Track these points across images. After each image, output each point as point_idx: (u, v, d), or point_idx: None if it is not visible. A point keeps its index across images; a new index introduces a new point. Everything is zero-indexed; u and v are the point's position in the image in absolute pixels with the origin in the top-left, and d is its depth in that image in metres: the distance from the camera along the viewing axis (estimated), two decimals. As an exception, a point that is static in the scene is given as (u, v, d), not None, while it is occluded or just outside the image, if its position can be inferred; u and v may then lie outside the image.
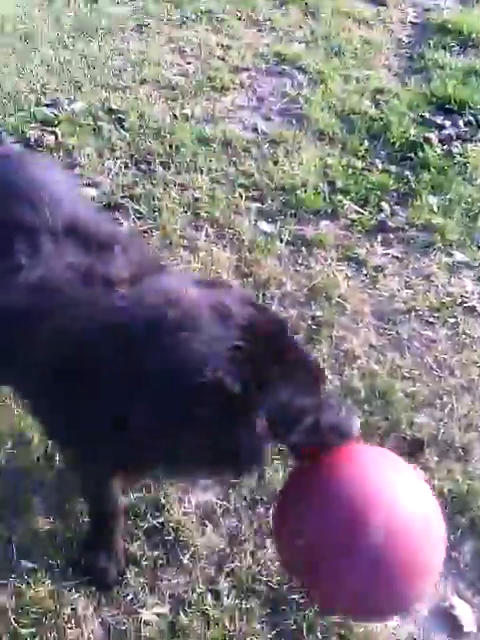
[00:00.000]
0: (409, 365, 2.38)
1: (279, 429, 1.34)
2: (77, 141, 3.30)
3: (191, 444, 1.31)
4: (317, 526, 1.45)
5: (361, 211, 2.94)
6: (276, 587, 1.87)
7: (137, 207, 2.96)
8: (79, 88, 3.64)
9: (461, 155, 3.14)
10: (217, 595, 1.87)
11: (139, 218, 2.92)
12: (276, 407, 1.30)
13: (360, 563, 1.39)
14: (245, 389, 1.25)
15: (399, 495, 1.44)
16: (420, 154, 3.13)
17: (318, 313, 2.52)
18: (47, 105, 3.44)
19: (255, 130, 3.36)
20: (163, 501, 2.03)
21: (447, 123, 3.31)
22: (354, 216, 2.92)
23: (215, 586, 1.89)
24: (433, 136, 3.22)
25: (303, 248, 2.79)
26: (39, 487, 2.07)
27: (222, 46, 3.92)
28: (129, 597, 1.87)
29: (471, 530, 1.98)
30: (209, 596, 1.86)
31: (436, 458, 2.13)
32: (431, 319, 2.53)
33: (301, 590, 1.78)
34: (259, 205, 2.98)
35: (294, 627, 1.79)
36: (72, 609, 1.85)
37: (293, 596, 1.85)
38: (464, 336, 2.47)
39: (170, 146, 3.25)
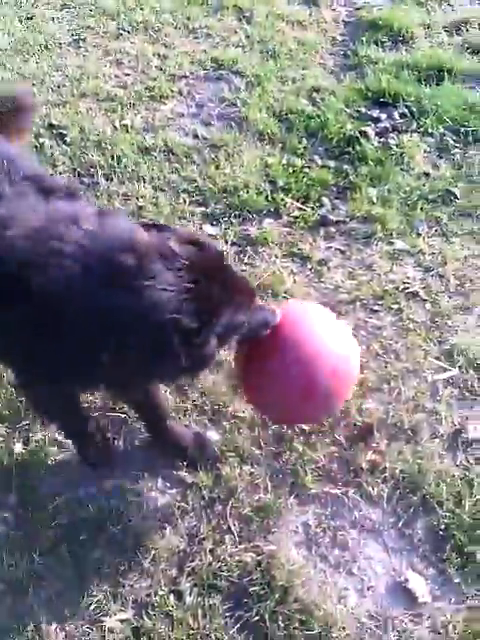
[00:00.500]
0: (357, 354, 2.42)
1: (225, 340, 1.64)
2: (19, 159, 3.29)
3: (158, 368, 1.56)
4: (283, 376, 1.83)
5: (303, 208, 2.98)
6: (237, 581, 1.91)
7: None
8: (18, 106, 3.63)
9: (397, 146, 3.20)
10: (180, 595, 1.90)
11: (85, 231, 2.93)
12: (224, 327, 1.57)
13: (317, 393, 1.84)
14: (200, 321, 1.49)
15: (333, 342, 1.89)
16: (358, 148, 3.19)
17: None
18: (-14, 125, 3.43)
19: (196, 136, 3.39)
20: (122, 508, 2.05)
21: (383, 116, 3.38)
22: (296, 213, 2.96)
23: (177, 587, 1.92)
24: (369, 129, 3.28)
25: (248, 247, 2.83)
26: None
27: (159, 55, 3.95)
28: (92, 607, 1.89)
29: (423, 508, 2.03)
30: (172, 597, 1.89)
31: (386, 441, 2.18)
32: (376, 307, 2.59)
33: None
34: (203, 209, 3.01)
35: (257, 618, 1.83)
36: (35, 626, 1.85)
37: (253, 588, 1.88)
38: (408, 321, 2.53)
39: (112, 157, 3.27)
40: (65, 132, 3.44)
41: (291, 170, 3.14)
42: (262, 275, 2.69)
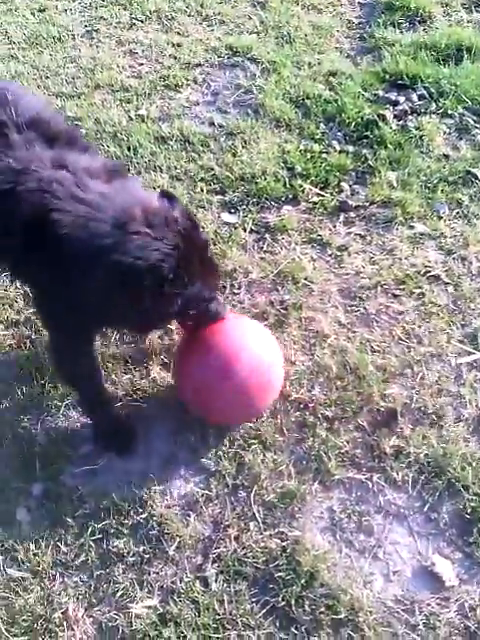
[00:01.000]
0: (378, 338, 2.44)
1: (186, 307, 1.86)
2: (35, 152, 3.33)
3: (129, 309, 1.78)
4: (204, 368, 2.10)
5: (321, 193, 2.99)
6: (262, 567, 1.94)
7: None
8: (33, 99, 3.67)
9: (417, 128, 3.19)
10: (205, 582, 1.93)
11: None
12: (190, 296, 1.83)
13: (234, 387, 2.07)
14: (174, 276, 1.73)
15: (254, 345, 2.14)
16: (376, 132, 3.18)
17: (286, 297, 2.58)
18: (2, 119, 3.47)
19: (212, 124, 3.40)
20: (145, 496, 2.09)
21: (401, 99, 3.36)
22: (315, 199, 2.97)
23: (203, 573, 1.95)
24: (388, 113, 3.27)
25: (267, 235, 2.84)
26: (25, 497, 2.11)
27: (173, 44, 3.96)
28: (119, 594, 1.93)
29: (448, 491, 2.04)
30: (197, 583, 1.93)
31: (410, 426, 2.19)
32: (397, 291, 2.59)
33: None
34: (221, 197, 3.02)
35: (283, 603, 1.85)
36: (63, 613, 1.90)
37: (279, 574, 1.91)
38: (430, 305, 2.53)
39: (128, 148, 3.30)
40: (80, 124, 3.47)
41: (309, 156, 3.14)
42: (282, 262, 2.70)
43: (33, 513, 2.11)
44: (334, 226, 2.86)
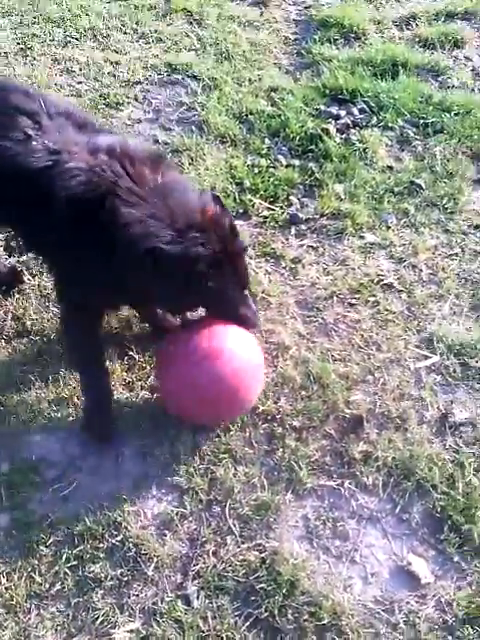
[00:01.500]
0: (338, 347, 2.53)
1: (211, 303, 2.11)
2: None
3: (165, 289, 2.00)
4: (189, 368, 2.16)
5: (271, 207, 3.09)
6: (243, 580, 1.98)
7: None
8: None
9: (360, 141, 3.34)
10: (187, 600, 1.96)
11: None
12: (217, 291, 2.01)
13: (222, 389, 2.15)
14: (214, 274, 1.96)
15: (239, 347, 2.20)
16: (321, 145, 3.31)
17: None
18: None
19: (156, 141, 3.46)
20: (119, 519, 2.10)
21: (342, 113, 3.51)
22: (266, 213, 3.06)
23: (183, 591, 1.98)
24: (331, 127, 3.41)
25: (221, 251, 2.91)
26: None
27: (111, 62, 4.00)
28: (99, 620, 1.93)
29: (418, 492, 2.14)
30: (179, 602, 1.95)
31: (376, 430, 2.29)
32: (353, 301, 2.70)
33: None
34: (171, 214, 3.07)
35: (266, 614, 1.90)
36: (42, 645, 1.88)
37: (260, 585, 1.95)
38: (386, 312, 2.65)
39: (73, 167, 3.31)
40: (21, 144, 3.46)
41: (256, 171, 3.24)
42: (238, 277, 2.77)
43: (1, 545, 2.09)
44: (286, 239, 2.96)
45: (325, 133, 3.38)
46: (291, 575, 1.96)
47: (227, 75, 3.83)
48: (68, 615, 1.95)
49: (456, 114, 3.49)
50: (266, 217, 3.05)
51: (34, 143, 2.06)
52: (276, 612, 1.90)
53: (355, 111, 3.54)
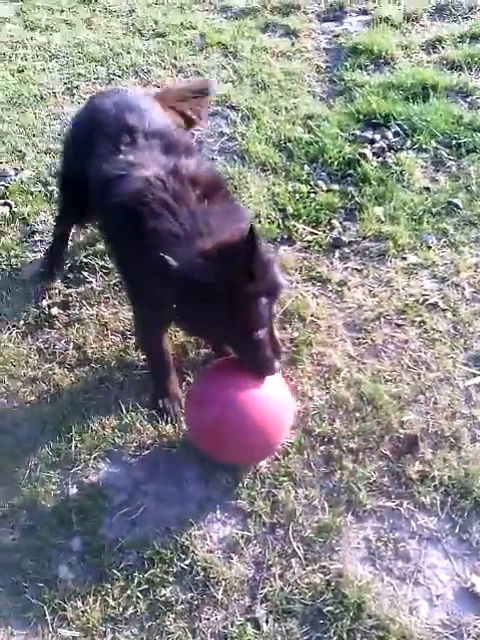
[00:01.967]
0: (389, 368, 2.46)
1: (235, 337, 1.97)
2: (31, 208, 3.32)
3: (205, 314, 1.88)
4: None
5: (315, 232, 3.03)
6: (310, 603, 1.92)
7: (103, 263, 2.99)
8: (22, 157, 3.66)
9: (396, 164, 3.27)
10: (256, 623, 1.90)
11: (107, 273, 2.95)
12: (218, 325, 1.91)
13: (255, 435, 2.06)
14: (229, 304, 1.84)
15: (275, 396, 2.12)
16: (359, 169, 3.25)
17: (295, 334, 2.59)
18: (-6, 179, 3.46)
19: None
20: (187, 543, 2.05)
21: (377, 137, 3.45)
22: (309, 237, 3.01)
23: (253, 615, 1.92)
24: (367, 151, 3.35)
25: (268, 276, 2.86)
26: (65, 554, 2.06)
27: (153, 97, 3.99)
28: (172, 644, 1.88)
29: (476, 511, 2.07)
30: (249, 626, 1.90)
31: (431, 450, 2.21)
32: (399, 321, 2.63)
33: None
34: (219, 242, 3.03)
35: (335, 638, 1.84)
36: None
37: (327, 608, 1.89)
38: (432, 331, 2.57)
39: (122, 199, 3.29)
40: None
41: (298, 196, 3.19)
42: (286, 301, 2.72)
43: (75, 569, 2.06)
44: (331, 262, 2.90)
45: (362, 157, 3.32)
46: (357, 597, 1.89)
47: (264, 105, 3.79)
48: (142, 638, 1.90)
49: (488, 133, 3.40)
50: (310, 242, 2.99)
51: (120, 156, 2.20)
52: (345, 636, 1.83)
53: (389, 135, 3.47)
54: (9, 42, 4.62)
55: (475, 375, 2.42)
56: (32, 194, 3.39)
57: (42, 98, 4.12)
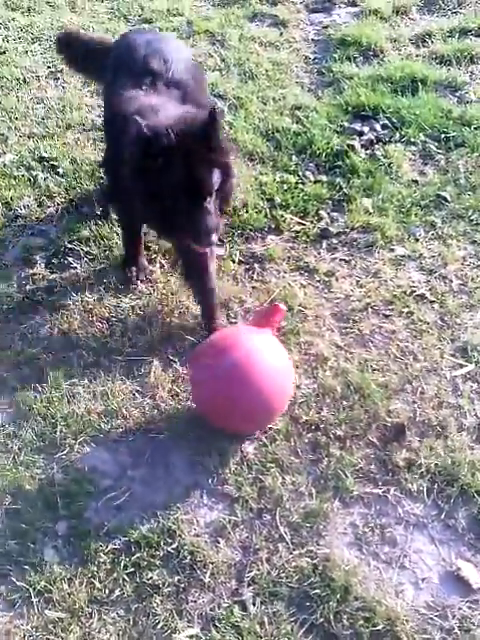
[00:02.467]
0: (376, 358, 2.53)
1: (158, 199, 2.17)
2: (14, 193, 3.33)
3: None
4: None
5: (302, 222, 3.09)
6: (297, 586, 1.98)
7: (88, 249, 3.02)
8: (5, 140, 3.67)
9: (384, 157, 3.34)
10: (243, 606, 1.95)
11: (92, 259, 2.98)
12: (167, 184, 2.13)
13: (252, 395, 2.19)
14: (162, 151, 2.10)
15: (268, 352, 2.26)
16: (347, 161, 3.32)
17: (282, 323, 2.64)
18: (-24, 162, 3.46)
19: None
20: (173, 527, 2.10)
21: (365, 129, 3.52)
22: (297, 228, 3.07)
23: (239, 597, 1.97)
24: (355, 142, 3.42)
25: (256, 265, 2.92)
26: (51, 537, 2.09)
27: (139, 83, 4.02)
28: (159, 625, 1.93)
29: (462, 497, 2.14)
30: (236, 608, 1.94)
31: (418, 438, 2.28)
32: (387, 312, 2.70)
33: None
34: (206, 230, 3.08)
35: (322, 620, 1.90)
36: (104, 648, 1.88)
37: (314, 591, 1.95)
38: (420, 322, 2.65)
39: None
40: (57, 164, 3.49)
41: (286, 187, 3.25)
42: (274, 290, 2.78)
43: (61, 552, 2.09)
44: (319, 253, 2.96)
45: (350, 149, 3.39)
46: (344, 581, 1.95)
47: (252, 94, 3.84)
48: (129, 620, 1.94)
49: (476, 128, 3.48)
50: (298, 232, 3.05)
51: (142, 96, 2.45)
52: (331, 618, 1.89)
53: (378, 127, 3.55)
54: (-10, 22, 4.62)
55: (462, 366, 2.50)
56: (15, 178, 3.40)
57: (25, 81, 4.12)
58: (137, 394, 2.47)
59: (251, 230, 3.07)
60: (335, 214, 3.13)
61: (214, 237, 2.18)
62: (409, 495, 2.16)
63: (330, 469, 2.22)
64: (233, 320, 2.70)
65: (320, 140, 3.45)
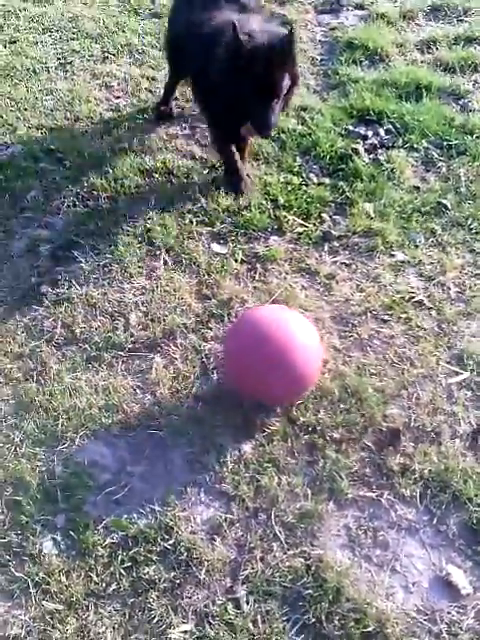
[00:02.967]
0: (374, 362, 2.52)
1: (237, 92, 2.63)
2: (21, 184, 3.29)
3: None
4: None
5: (305, 224, 3.07)
6: (290, 586, 1.98)
7: (93, 243, 2.99)
8: (14, 131, 3.62)
9: (387, 162, 3.32)
10: (237, 603, 1.95)
11: (97, 254, 2.96)
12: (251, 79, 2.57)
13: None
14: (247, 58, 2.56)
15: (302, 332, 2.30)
16: (350, 165, 3.29)
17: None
18: (-16, 151, 3.42)
19: (193, 157, 3.43)
20: (171, 523, 2.09)
21: (369, 133, 3.49)
22: (299, 229, 3.04)
23: (234, 595, 1.97)
24: (359, 147, 3.39)
25: (258, 265, 2.90)
26: (50, 529, 2.08)
27: (147, 78, 3.98)
28: (154, 620, 1.93)
29: (454, 504, 2.14)
30: (230, 605, 1.94)
31: (412, 444, 2.28)
32: (386, 317, 2.69)
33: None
34: (209, 229, 3.06)
35: (314, 620, 1.90)
36: (101, 642, 1.88)
37: (307, 591, 1.95)
38: (417, 329, 2.64)
39: (114, 180, 3.29)
40: (63, 156, 3.45)
41: (289, 188, 3.22)
42: (275, 291, 2.76)
43: (59, 545, 2.08)
44: (320, 255, 2.94)
45: (354, 153, 3.36)
46: (336, 582, 1.95)
47: (259, 94, 3.79)
48: (125, 614, 1.94)
49: (477, 137, 3.46)
50: (300, 233, 3.03)
51: (205, 13, 2.91)
52: (323, 618, 1.89)
53: (382, 132, 3.51)
54: (1, 11, 4.56)
55: (457, 373, 2.49)
56: (23, 169, 3.36)
57: (35, 72, 4.07)
58: (138, 390, 2.46)
59: (254, 230, 3.04)
60: (337, 217, 3.10)
61: (272, 132, 2.74)
62: (402, 500, 2.16)
63: (325, 471, 2.21)
64: (234, 320, 2.68)
65: (325, 142, 3.42)
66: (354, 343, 2.60)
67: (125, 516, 2.13)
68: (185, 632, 1.90)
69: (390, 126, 3.54)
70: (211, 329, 2.64)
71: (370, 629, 1.87)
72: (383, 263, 2.90)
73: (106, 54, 4.21)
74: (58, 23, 4.43)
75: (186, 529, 2.09)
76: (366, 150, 3.41)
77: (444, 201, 3.13)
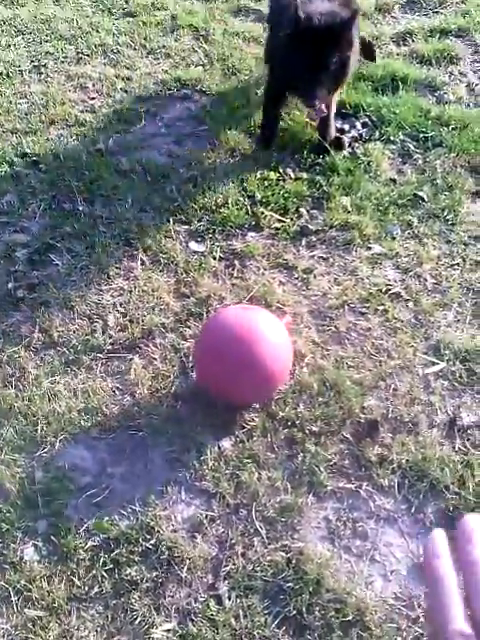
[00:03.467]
0: (351, 355, 2.56)
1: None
2: (-4, 189, 3.32)
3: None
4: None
5: (282, 219, 3.10)
6: (271, 580, 2.01)
7: (69, 246, 3.02)
8: (-12, 136, 3.64)
9: (364, 155, 3.35)
10: (219, 600, 1.98)
11: (74, 256, 2.98)
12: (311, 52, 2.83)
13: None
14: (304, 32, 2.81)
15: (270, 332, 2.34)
16: (327, 159, 3.32)
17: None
18: (-42, 158, 3.43)
19: (170, 155, 3.46)
20: (152, 523, 2.13)
21: (346, 127, 3.52)
22: (277, 225, 3.08)
23: (215, 592, 2.00)
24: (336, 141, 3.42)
25: (236, 262, 2.93)
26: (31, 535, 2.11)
27: (122, 78, 4.00)
28: (137, 621, 1.96)
29: (431, 492, 2.18)
30: (212, 602, 1.98)
31: (390, 435, 2.32)
32: (363, 310, 2.73)
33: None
34: (187, 227, 3.09)
35: (294, 612, 1.93)
36: (84, 644, 1.91)
37: (288, 584, 1.99)
38: (394, 320, 2.68)
39: (90, 182, 3.32)
40: (39, 160, 3.47)
41: (266, 184, 3.25)
42: (253, 287, 2.80)
43: (41, 550, 2.11)
44: (298, 250, 2.98)
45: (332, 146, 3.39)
46: (316, 574, 1.99)
47: (234, 89, 3.83)
48: (107, 617, 1.97)
49: (453, 128, 3.50)
50: (278, 229, 3.06)
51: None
52: (304, 610, 1.93)
53: (358, 125, 3.55)
54: (-27, 16, 4.56)
55: (434, 364, 2.54)
56: (-3, 174, 3.38)
57: (8, 76, 4.08)
58: (117, 391, 2.49)
59: (232, 227, 3.08)
60: (314, 211, 3.14)
61: (318, 103, 2.91)
62: (380, 490, 2.20)
63: (305, 464, 2.25)
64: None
65: (302, 137, 3.45)
66: (332, 337, 2.64)
67: (106, 518, 2.15)
68: (168, 631, 1.94)
69: (366, 119, 3.57)
70: (190, 327, 2.67)
71: (350, 618, 1.91)
72: (360, 256, 2.94)
73: (80, 55, 4.23)
74: (31, 25, 4.45)
75: (167, 528, 2.13)
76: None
77: (420, 193, 3.17)
